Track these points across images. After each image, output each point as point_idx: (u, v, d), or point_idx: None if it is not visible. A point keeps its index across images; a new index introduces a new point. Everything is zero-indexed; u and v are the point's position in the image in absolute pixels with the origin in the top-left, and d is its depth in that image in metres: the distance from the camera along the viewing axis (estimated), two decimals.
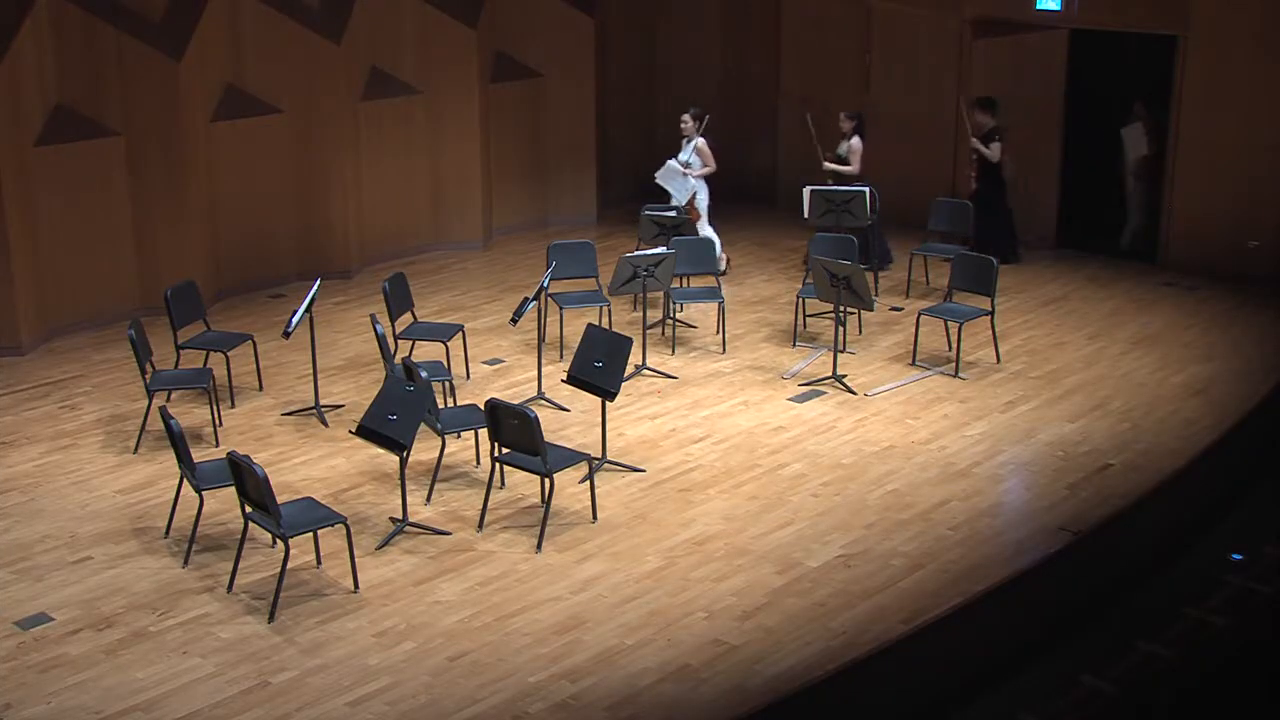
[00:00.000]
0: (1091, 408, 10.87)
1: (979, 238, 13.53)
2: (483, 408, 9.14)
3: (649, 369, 11.52)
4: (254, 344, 11.24)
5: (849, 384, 11.21)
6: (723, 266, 13.52)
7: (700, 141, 13.23)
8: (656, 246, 12.20)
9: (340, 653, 7.69)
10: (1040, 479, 9.77)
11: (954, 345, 11.72)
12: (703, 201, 13.34)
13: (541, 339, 11.21)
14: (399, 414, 8.55)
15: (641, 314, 11.81)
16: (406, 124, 14.39)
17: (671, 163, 13.23)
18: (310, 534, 8.46)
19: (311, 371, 10.71)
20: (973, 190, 13.93)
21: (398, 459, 8.97)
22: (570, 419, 10.62)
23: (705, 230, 13.30)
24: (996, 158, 13.75)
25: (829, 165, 13.78)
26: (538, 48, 15.39)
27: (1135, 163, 14.55)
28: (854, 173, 13.64)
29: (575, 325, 11.45)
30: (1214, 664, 7.79)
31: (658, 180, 13.31)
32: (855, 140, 13.68)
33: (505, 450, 9.02)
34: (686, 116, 13.50)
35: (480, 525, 9.04)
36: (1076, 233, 14.70)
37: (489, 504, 9.15)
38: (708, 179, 13.45)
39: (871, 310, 11.86)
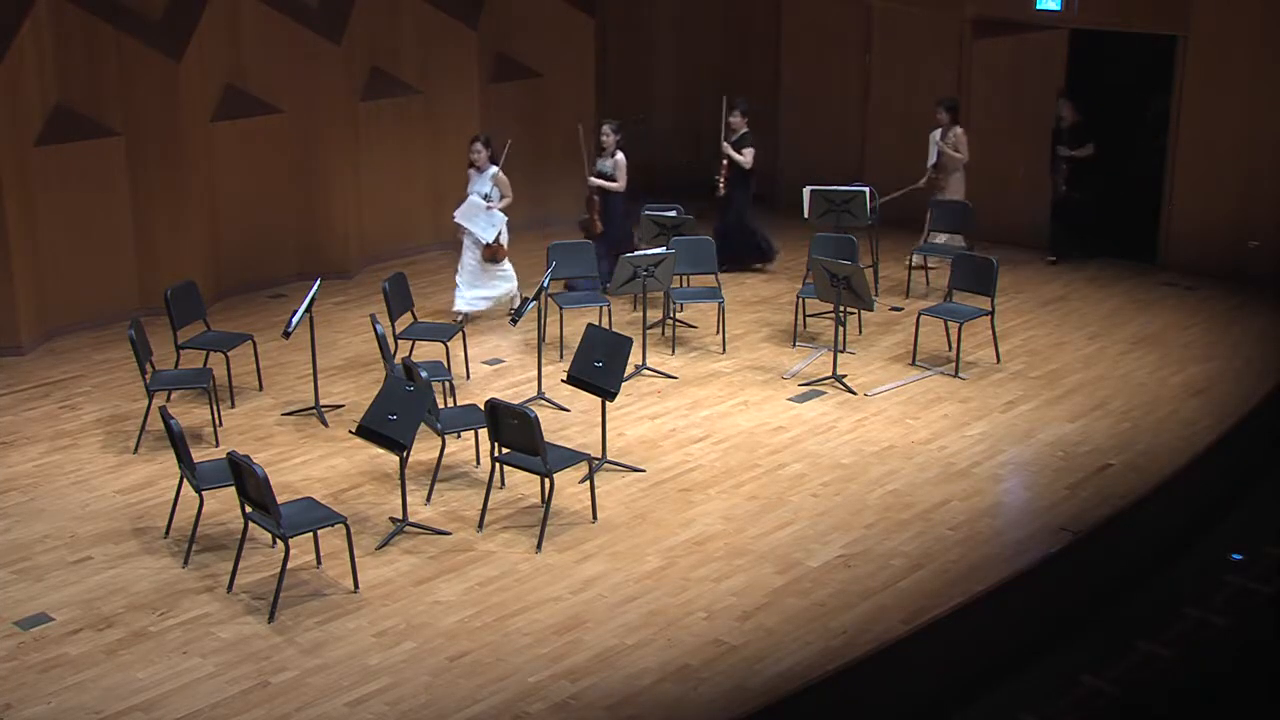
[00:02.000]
0: (1091, 408, 10.87)
1: (722, 246, 12.89)
2: (483, 408, 9.14)
3: (649, 369, 11.52)
4: (254, 344, 11.24)
5: (849, 384, 11.21)
6: (515, 303, 12.50)
7: (497, 170, 12.25)
8: (656, 246, 12.20)
9: (340, 653, 7.69)
10: (1040, 479, 9.77)
11: (954, 345, 11.72)
12: (505, 236, 12.37)
13: (541, 339, 11.21)
14: (399, 414, 8.55)
15: (641, 314, 11.81)
16: (406, 124, 14.39)
17: (473, 199, 12.16)
18: (310, 534, 8.46)
19: (311, 371, 10.71)
20: (720, 195, 13.56)
21: (398, 459, 8.97)
22: (570, 419, 10.63)
23: (505, 269, 12.44)
24: (749, 163, 13.46)
25: (593, 181, 13.07)
26: (538, 48, 15.39)
27: (931, 169, 13.84)
28: (619, 188, 13.23)
29: (575, 325, 11.45)
30: (1214, 664, 7.79)
31: (456, 219, 12.27)
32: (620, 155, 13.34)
33: (505, 450, 9.02)
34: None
35: (480, 525, 9.04)
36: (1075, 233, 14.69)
37: (489, 504, 9.15)
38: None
39: (871, 310, 11.87)
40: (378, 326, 10.34)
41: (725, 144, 13.61)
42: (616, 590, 8.32)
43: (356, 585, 8.29)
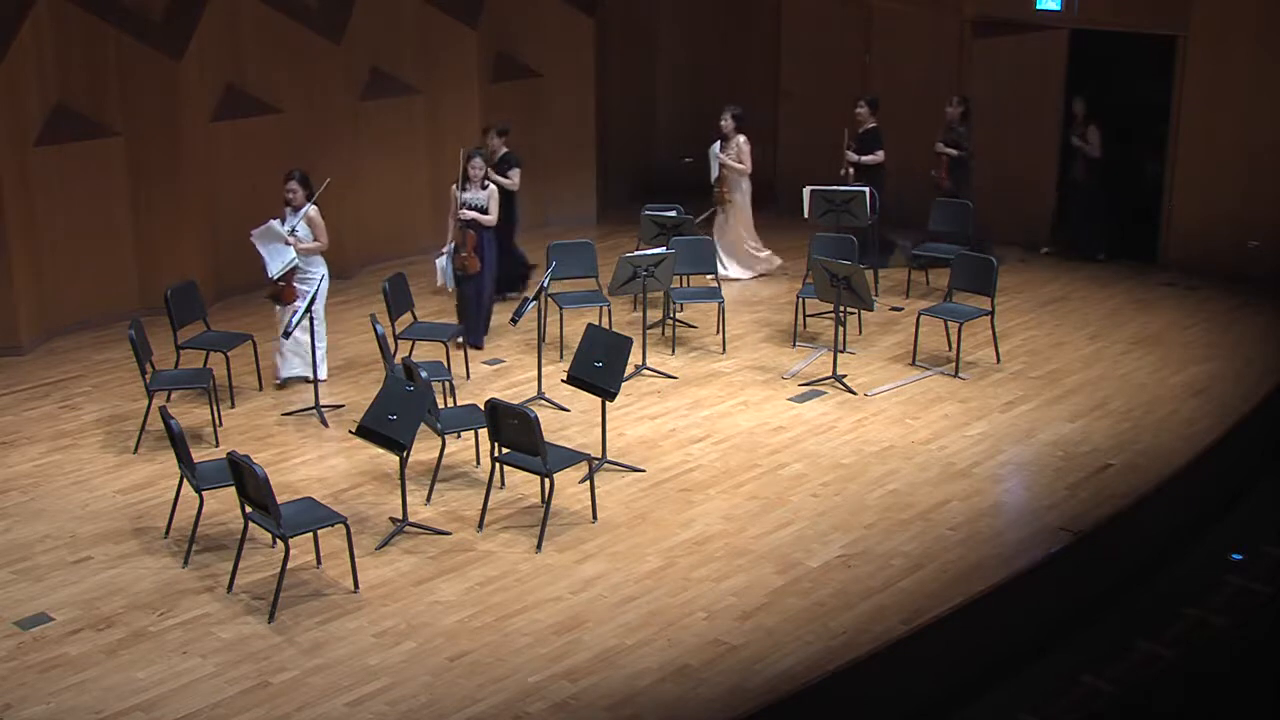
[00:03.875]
0: (1091, 408, 10.87)
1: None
2: (483, 408, 9.14)
3: (649, 369, 11.52)
4: (254, 344, 11.23)
5: (849, 384, 11.21)
6: (296, 372, 11.17)
7: (312, 211, 10.85)
8: (656, 246, 12.20)
9: (340, 653, 7.69)
10: (1040, 479, 9.77)
11: (954, 345, 11.72)
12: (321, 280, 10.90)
13: (541, 339, 11.21)
14: (399, 414, 8.54)
15: (641, 314, 11.81)
16: (406, 124, 14.39)
17: (273, 223, 10.79)
18: (310, 534, 8.46)
19: (312, 371, 10.70)
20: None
21: (398, 459, 8.97)
22: (570, 419, 10.62)
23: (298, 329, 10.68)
24: (516, 186, 12.63)
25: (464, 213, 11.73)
26: (538, 48, 15.40)
27: (714, 184, 13.53)
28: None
29: (575, 325, 11.45)
30: (1214, 664, 7.79)
31: (253, 238, 10.84)
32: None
33: (505, 450, 9.02)
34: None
35: (480, 525, 9.03)
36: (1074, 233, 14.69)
37: (489, 504, 9.15)
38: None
39: (871, 310, 11.87)
40: (378, 326, 10.33)
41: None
42: (616, 590, 8.32)
43: (356, 585, 8.29)
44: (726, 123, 13.42)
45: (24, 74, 11.83)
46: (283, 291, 10.74)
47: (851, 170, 13.67)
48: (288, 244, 10.73)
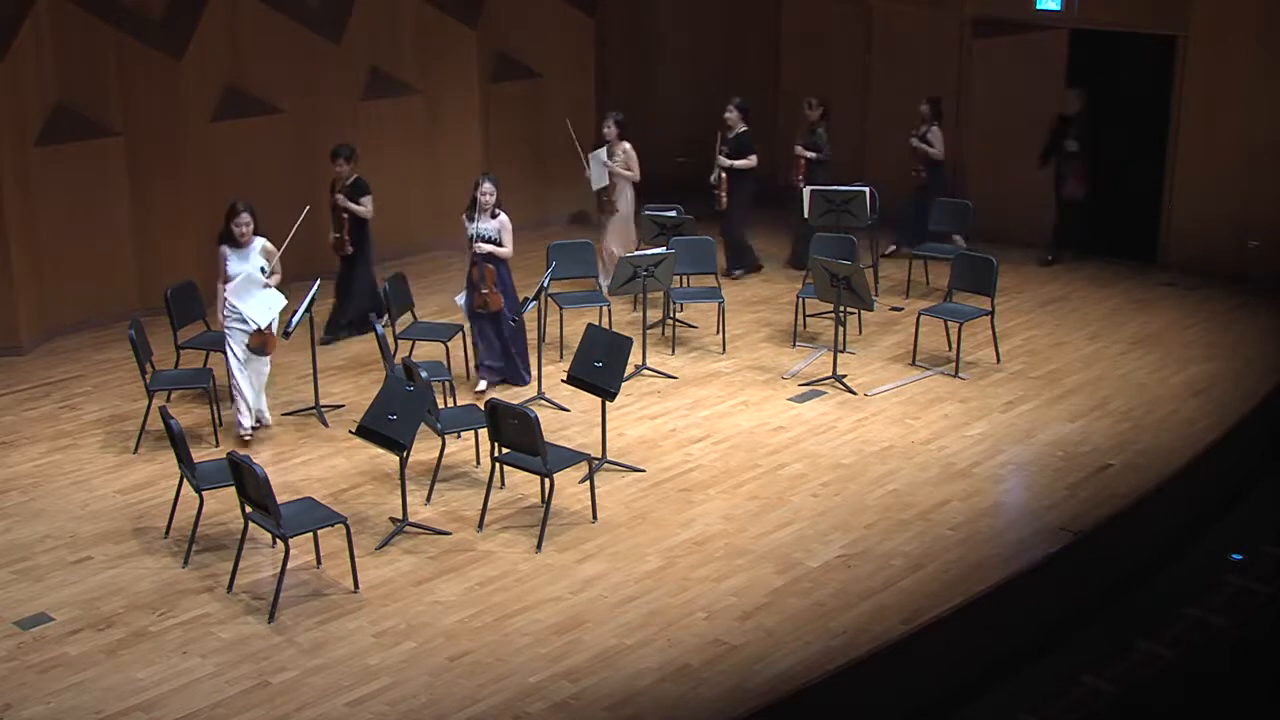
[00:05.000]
0: (1091, 408, 10.87)
1: (341, 303, 12.04)
2: (483, 408, 9.14)
3: (649, 369, 11.52)
4: None
5: (849, 384, 11.21)
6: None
7: (263, 241, 10.19)
8: (656, 246, 12.20)
9: (340, 653, 7.69)
10: (1040, 479, 9.77)
11: (954, 345, 11.72)
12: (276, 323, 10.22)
13: (541, 339, 11.21)
14: (399, 414, 8.54)
15: (641, 314, 11.81)
16: (406, 124, 14.39)
17: (250, 274, 10.00)
18: (310, 534, 8.46)
19: (311, 371, 10.70)
20: (346, 253, 11.91)
21: (398, 459, 8.97)
22: (570, 419, 10.62)
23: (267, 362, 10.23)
24: (370, 213, 11.79)
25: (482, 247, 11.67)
26: (538, 48, 15.40)
27: (598, 193, 13.09)
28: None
29: (575, 325, 11.45)
30: (1214, 664, 7.79)
31: (230, 296, 10.00)
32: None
33: (505, 450, 9.02)
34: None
35: (480, 525, 9.04)
36: (1074, 233, 14.68)
37: (489, 504, 9.15)
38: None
39: (871, 310, 11.86)
40: (378, 326, 10.33)
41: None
42: (616, 590, 8.32)
43: (356, 585, 8.29)
44: (610, 129, 12.93)
45: (24, 74, 11.83)
46: (267, 340, 10.01)
47: (723, 175, 13.39)
48: (267, 285, 10.03)
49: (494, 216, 10.73)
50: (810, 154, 13.78)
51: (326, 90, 13.54)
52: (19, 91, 11.79)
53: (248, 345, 10.02)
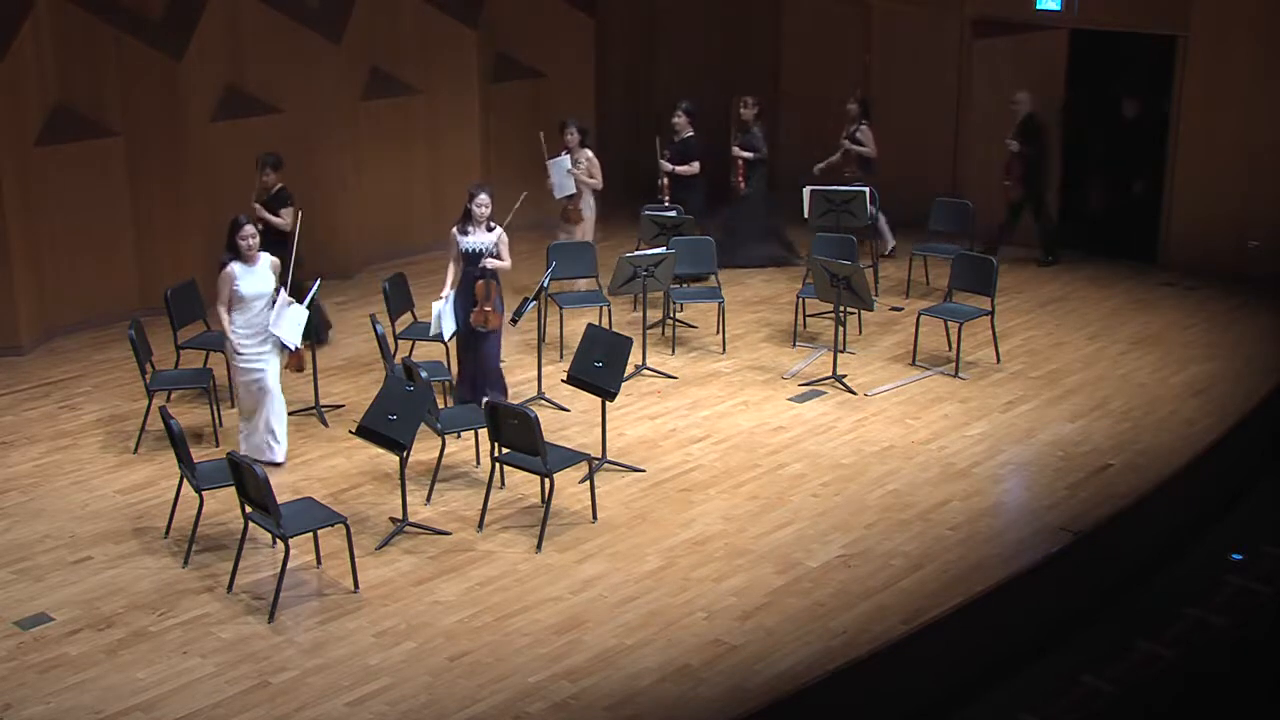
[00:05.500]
0: (1091, 408, 10.87)
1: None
2: (483, 408, 9.13)
3: (649, 369, 11.52)
4: None
5: (849, 384, 11.21)
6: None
7: (271, 259, 9.64)
8: (656, 246, 12.20)
9: (340, 653, 7.69)
10: (1040, 479, 9.77)
11: (954, 345, 11.72)
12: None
13: (541, 339, 11.21)
14: (399, 414, 8.54)
15: (641, 314, 11.81)
16: (406, 124, 14.39)
17: (281, 298, 9.50)
18: (310, 534, 8.46)
19: (312, 371, 10.70)
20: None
21: (398, 459, 8.96)
22: (570, 419, 10.62)
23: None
24: (289, 225, 10.97)
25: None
26: (538, 48, 15.40)
27: (565, 201, 12.77)
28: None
29: (575, 325, 11.45)
30: (1214, 664, 7.79)
31: (275, 333, 9.53)
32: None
33: (505, 450, 9.02)
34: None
35: (480, 525, 9.03)
36: (1074, 233, 14.68)
37: (489, 504, 9.15)
38: None
39: (871, 310, 11.86)
40: (378, 326, 10.33)
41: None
42: (616, 590, 8.32)
43: (356, 585, 8.29)
44: (572, 136, 12.64)
45: (24, 74, 11.83)
46: (303, 359, 9.85)
47: (666, 181, 13.21)
48: (291, 302, 9.61)
49: (490, 229, 10.33)
50: (747, 154, 13.65)
51: (326, 90, 13.53)
52: (19, 91, 11.79)
53: (287, 368, 9.66)
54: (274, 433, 9.70)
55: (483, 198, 10.27)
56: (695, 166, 13.34)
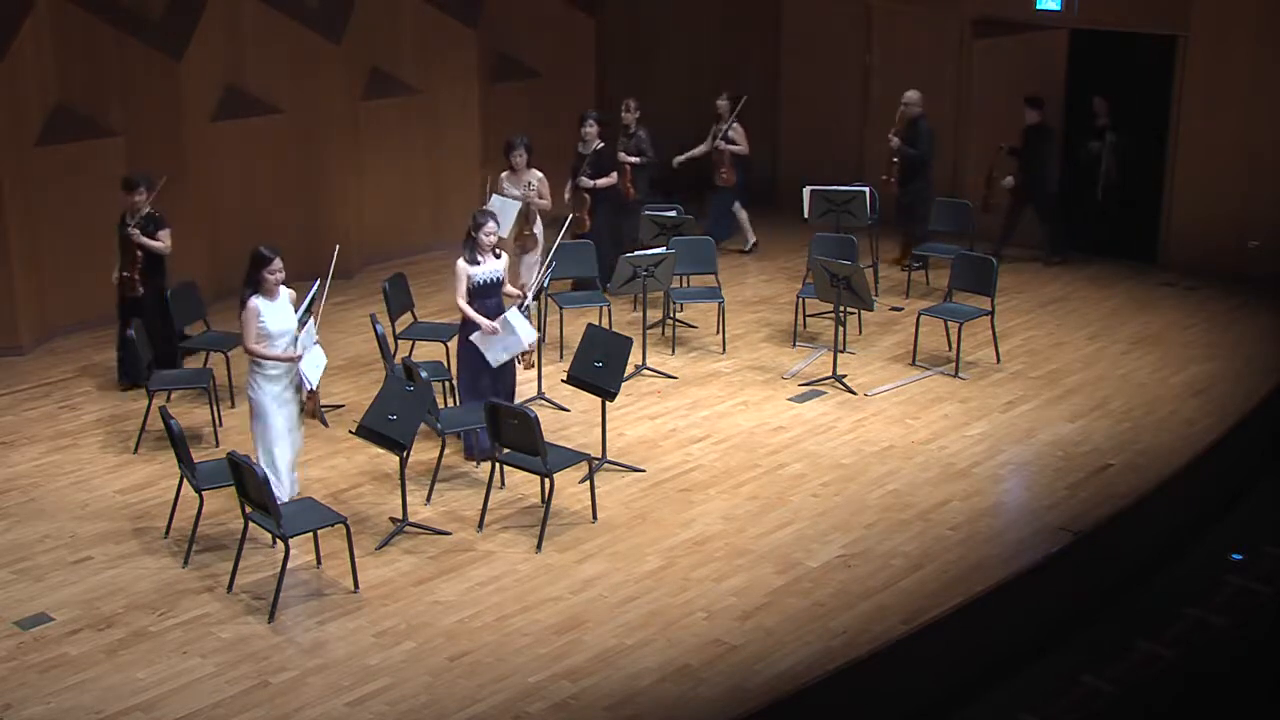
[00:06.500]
0: (1091, 408, 10.87)
1: (138, 350, 10.42)
2: (482, 407, 9.14)
3: (649, 369, 11.52)
4: None
5: (849, 384, 11.21)
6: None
7: (291, 292, 9.11)
8: (656, 246, 12.19)
9: (340, 653, 7.69)
10: (1040, 479, 9.77)
11: (954, 345, 11.72)
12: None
13: (541, 339, 11.20)
14: (399, 414, 8.54)
15: (641, 314, 11.81)
16: (406, 124, 14.39)
17: (306, 337, 8.97)
18: (310, 534, 8.46)
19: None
20: (136, 294, 10.79)
21: (398, 459, 8.96)
22: (570, 419, 10.62)
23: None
24: (169, 249, 10.76)
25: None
26: (538, 48, 15.39)
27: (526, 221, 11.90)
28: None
29: (575, 325, 11.45)
30: (1214, 664, 7.79)
31: (305, 374, 8.99)
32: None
33: (505, 450, 9.02)
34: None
35: (480, 525, 9.03)
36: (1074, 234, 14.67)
37: (489, 504, 9.15)
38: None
39: (871, 310, 11.86)
40: (378, 326, 10.34)
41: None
42: (616, 590, 8.32)
43: (356, 585, 8.29)
44: (519, 157, 11.77)
45: (24, 74, 11.83)
46: (316, 400, 9.30)
47: (587, 196, 12.64)
48: (317, 341, 9.11)
49: (497, 256, 9.83)
50: (634, 159, 13.28)
51: (326, 90, 13.54)
52: (19, 91, 11.79)
53: (305, 410, 9.14)
54: (279, 473, 8.92)
55: (490, 226, 9.70)
56: (614, 178, 12.82)
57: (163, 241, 10.75)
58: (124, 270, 10.75)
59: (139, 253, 10.72)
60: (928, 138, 13.69)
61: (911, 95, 13.72)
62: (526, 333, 9.61)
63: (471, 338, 9.64)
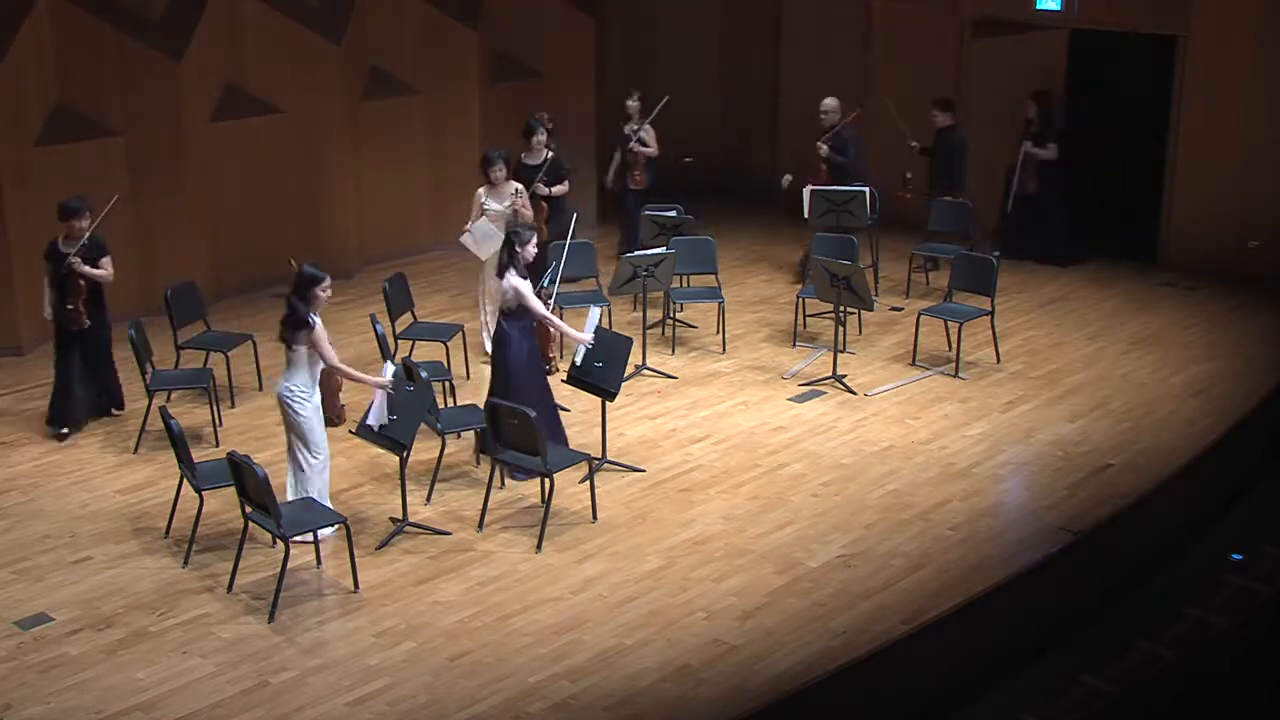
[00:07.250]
0: (1091, 408, 10.87)
1: (81, 387, 10.34)
2: (483, 408, 9.13)
3: (649, 369, 11.52)
4: (254, 344, 11.24)
5: (849, 384, 11.21)
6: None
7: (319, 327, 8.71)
8: (656, 246, 12.19)
9: (340, 653, 7.69)
10: (1040, 479, 9.77)
11: (954, 345, 11.72)
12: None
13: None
14: (399, 414, 8.54)
15: (641, 314, 11.81)
16: (406, 124, 14.39)
17: (389, 375, 8.81)
18: (310, 534, 8.46)
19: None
20: (83, 326, 10.16)
21: (398, 459, 8.96)
22: (570, 419, 10.61)
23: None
24: (111, 277, 10.23)
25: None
26: (538, 48, 15.39)
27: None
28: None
29: (575, 325, 11.42)
30: (1214, 664, 7.79)
31: (371, 423, 8.84)
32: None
33: (506, 450, 9.02)
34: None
35: (480, 525, 9.04)
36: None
37: (489, 504, 9.15)
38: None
39: (871, 310, 11.86)
40: (378, 326, 10.34)
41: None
42: (616, 590, 8.32)
43: (356, 585, 8.29)
44: (498, 171, 11.36)
45: (24, 74, 11.83)
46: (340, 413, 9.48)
47: (545, 205, 12.08)
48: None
49: (525, 277, 9.67)
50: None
51: (326, 90, 13.54)
52: (19, 91, 11.79)
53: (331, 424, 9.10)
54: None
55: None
56: (565, 186, 12.30)
57: (105, 270, 10.13)
58: (67, 302, 10.03)
59: (81, 283, 10.03)
60: (854, 145, 13.65)
61: (829, 103, 13.72)
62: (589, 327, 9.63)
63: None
